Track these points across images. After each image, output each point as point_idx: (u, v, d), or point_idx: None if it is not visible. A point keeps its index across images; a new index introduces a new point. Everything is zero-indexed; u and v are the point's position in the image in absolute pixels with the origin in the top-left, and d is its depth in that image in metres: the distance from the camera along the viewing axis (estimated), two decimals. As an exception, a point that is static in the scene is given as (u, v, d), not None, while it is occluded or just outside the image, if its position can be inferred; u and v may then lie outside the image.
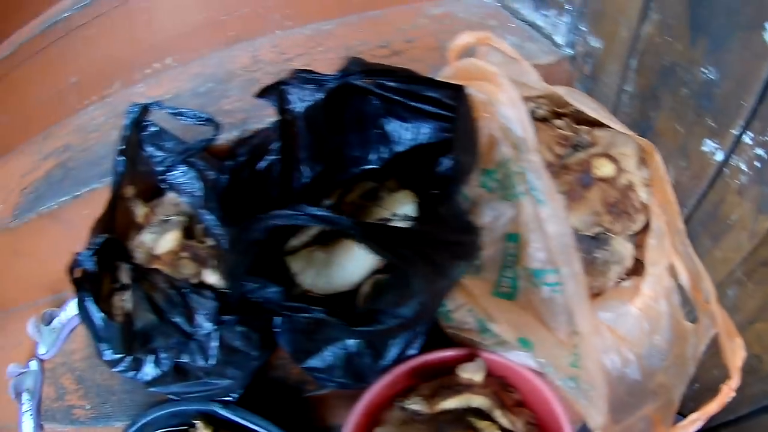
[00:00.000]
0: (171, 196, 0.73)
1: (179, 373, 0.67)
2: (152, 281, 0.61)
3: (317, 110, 0.70)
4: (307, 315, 0.53)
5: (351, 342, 0.66)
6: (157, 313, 0.60)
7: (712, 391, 0.62)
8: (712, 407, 0.64)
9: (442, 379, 0.73)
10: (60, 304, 1.01)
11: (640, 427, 0.74)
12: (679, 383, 0.72)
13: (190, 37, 1.06)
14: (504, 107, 0.67)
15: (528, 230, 0.68)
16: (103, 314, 0.60)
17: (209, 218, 0.67)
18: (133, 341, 0.61)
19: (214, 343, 0.64)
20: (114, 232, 0.67)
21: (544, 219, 0.65)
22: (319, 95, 0.69)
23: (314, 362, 0.67)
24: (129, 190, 0.71)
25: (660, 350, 0.73)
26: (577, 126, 0.78)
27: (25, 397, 0.97)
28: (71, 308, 0.99)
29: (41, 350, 0.99)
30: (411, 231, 0.58)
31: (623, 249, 0.73)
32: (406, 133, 0.72)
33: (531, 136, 0.66)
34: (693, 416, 0.65)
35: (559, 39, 0.87)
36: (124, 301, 0.65)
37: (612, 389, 0.69)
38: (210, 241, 0.68)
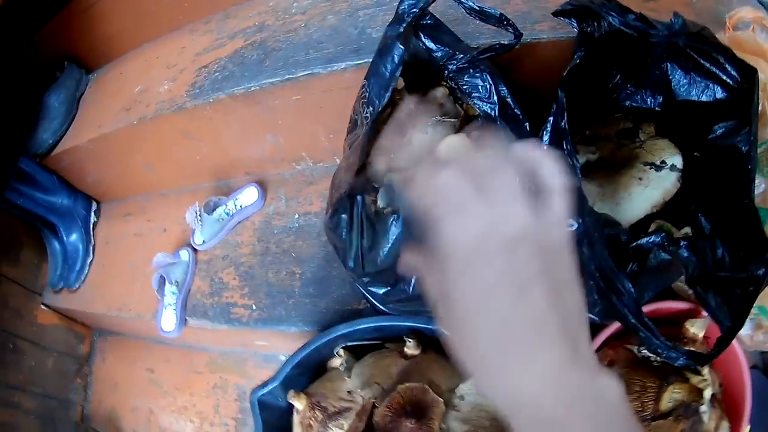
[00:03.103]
0: (437, 94, 0.68)
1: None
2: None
3: (608, 40, 0.68)
4: (670, 254, 0.52)
5: (620, 282, 0.65)
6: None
7: None
8: None
9: (670, 329, 0.74)
10: (224, 192, 0.94)
11: None
12: None
13: None
14: None
15: None
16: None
17: (506, 129, 0.63)
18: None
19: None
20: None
21: None
22: (621, 25, 0.66)
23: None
24: (399, 82, 0.66)
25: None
26: None
27: (169, 289, 0.91)
28: (244, 197, 0.93)
29: (197, 240, 0.92)
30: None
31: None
32: (689, 87, 0.70)
33: None
34: None
35: None
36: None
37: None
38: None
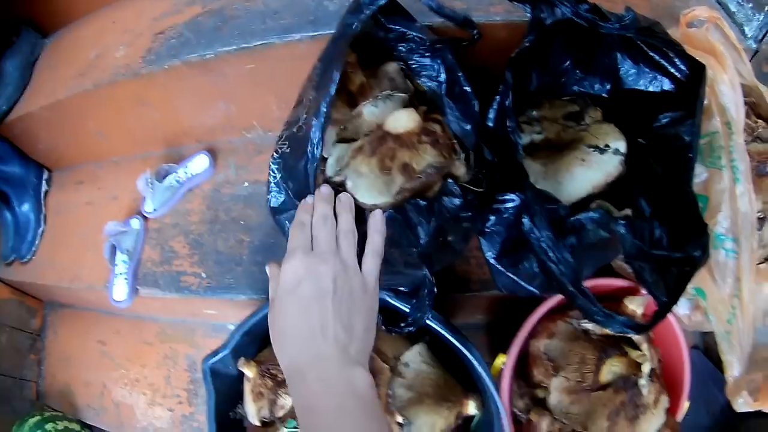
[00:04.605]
0: (388, 69, 0.69)
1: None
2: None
3: (559, 28, 0.69)
4: (608, 231, 0.54)
5: (558, 251, 0.67)
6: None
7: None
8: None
9: (609, 306, 0.77)
10: (175, 160, 0.92)
11: (750, 387, 0.82)
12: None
13: None
14: (724, 87, 0.72)
15: (720, 199, 0.73)
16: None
17: (452, 107, 0.64)
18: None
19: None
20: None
21: (738, 195, 0.70)
22: (572, 15, 0.68)
23: (518, 268, 0.67)
24: (352, 56, 0.66)
25: (772, 330, 0.82)
26: (756, 118, 0.84)
27: (120, 257, 0.90)
28: (195, 165, 0.92)
29: (148, 207, 0.91)
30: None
31: (771, 236, 0.79)
32: (638, 77, 0.72)
33: (741, 120, 0.71)
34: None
35: (749, 31, 0.89)
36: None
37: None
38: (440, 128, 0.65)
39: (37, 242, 1.14)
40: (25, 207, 1.16)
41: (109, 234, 0.88)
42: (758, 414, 0.84)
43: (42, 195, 1.17)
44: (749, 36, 0.90)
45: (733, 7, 0.93)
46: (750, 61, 0.90)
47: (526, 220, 0.61)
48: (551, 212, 0.62)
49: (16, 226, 1.15)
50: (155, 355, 1.00)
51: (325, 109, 0.54)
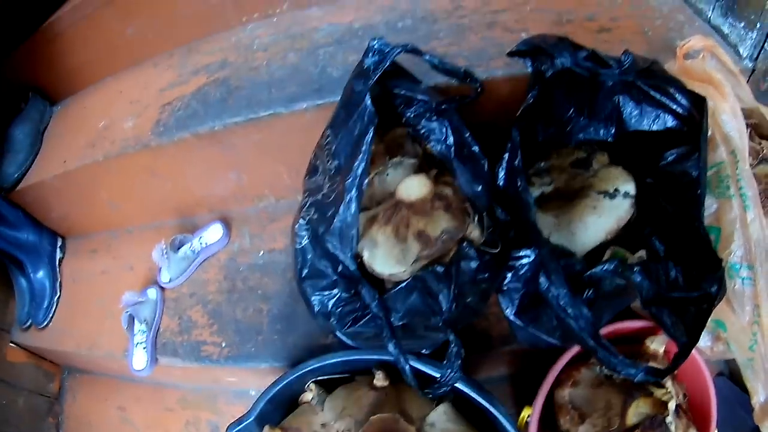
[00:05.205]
0: (397, 135, 0.70)
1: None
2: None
3: (560, 77, 0.70)
4: (624, 279, 0.54)
5: (576, 307, 0.68)
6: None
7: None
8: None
9: (632, 347, 0.77)
10: (189, 229, 0.94)
11: None
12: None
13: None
14: (726, 116, 0.72)
15: (732, 228, 0.73)
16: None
17: (462, 169, 0.64)
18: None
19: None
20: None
21: (748, 222, 0.71)
22: (573, 65, 0.69)
23: (538, 323, 0.67)
24: None
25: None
26: (759, 139, 0.84)
27: (139, 327, 0.90)
28: (209, 235, 0.93)
29: (164, 278, 0.92)
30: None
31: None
32: (641, 118, 0.73)
33: (746, 147, 0.71)
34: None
35: (743, 51, 0.89)
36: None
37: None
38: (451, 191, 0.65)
39: (53, 309, 1.14)
40: (40, 274, 1.17)
41: (126, 304, 0.89)
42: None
43: (56, 262, 1.19)
44: (744, 56, 0.90)
45: (726, 29, 0.93)
46: (748, 81, 0.91)
47: (542, 279, 0.62)
48: (567, 268, 0.63)
49: (31, 293, 1.16)
50: (177, 423, 0.99)
51: (359, 178, 0.56)
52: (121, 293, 0.91)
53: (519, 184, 0.63)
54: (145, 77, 1.00)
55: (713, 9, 0.95)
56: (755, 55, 0.88)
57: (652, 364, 0.76)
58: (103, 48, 1.09)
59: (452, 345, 0.59)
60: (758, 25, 0.85)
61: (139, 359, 0.89)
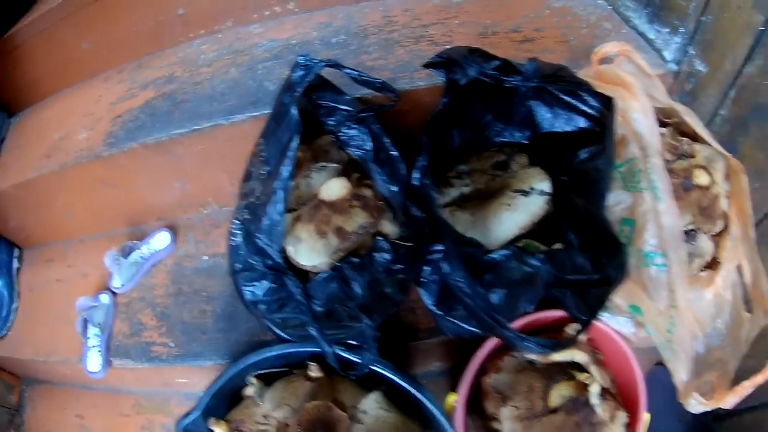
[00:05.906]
0: (322, 143, 0.76)
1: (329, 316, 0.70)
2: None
3: (474, 86, 0.77)
4: (525, 265, 0.60)
5: (494, 296, 0.73)
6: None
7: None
8: (758, 378, 0.78)
9: (551, 335, 0.82)
10: (138, 237, 0.98)
11: (705, 388, 0.88)
12: (733, 359, 0.86)
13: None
14: (637, 114, 0.77)
15: (645, 219, 0.78)
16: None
17: (379, 171, 0.71)
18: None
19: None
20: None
21: (660, 212, 0.76)
22: (479, 74, 0.76)
23: (456, 312, 0.73)
24: None
25: (720, 333, 0.87)
26: (679, 137, 0.91)
27: (93, 331, 0.93)
28: (157, 241, 0.98)
29: (116, 283, 0.96)
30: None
31: (706, 245, 0.84)
32: (554, 120, 0.79)
33: (657, 143, 0.77)
34: (744, 383, 0.79)
35: (668, 55, 0.91)
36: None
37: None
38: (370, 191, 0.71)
39: (11, 318, 1.15)
40: (-1, 284, 1.18)
41: (80, 309, 0.93)
42: (733, 413, 0.88)
43: (14, 272, 1.20)
44: (669, 59, 0.93)
45: (651, 35, 0.96)
46: (674, 82, 0.96)
47: (445, 265, 0.67)
48: (468, 255, 0.68)
49: (-10, 303, 1.17)
50: (132, 427, 1.02)
51: (284, 181, 0.61)
52: (75, 300, 0.94)
53: (424, 182, 0.69)
54: (98, 91, 1.04)
55: (640, 16, 1.01)
56: (679, 58, 0.93)
57: (576, 351, 0.81)
58: (59, 61, 1.12)
59: (367, 329, 0.64)
60: (682, 30, 0.88)
61: (94, 362, 0.93)
